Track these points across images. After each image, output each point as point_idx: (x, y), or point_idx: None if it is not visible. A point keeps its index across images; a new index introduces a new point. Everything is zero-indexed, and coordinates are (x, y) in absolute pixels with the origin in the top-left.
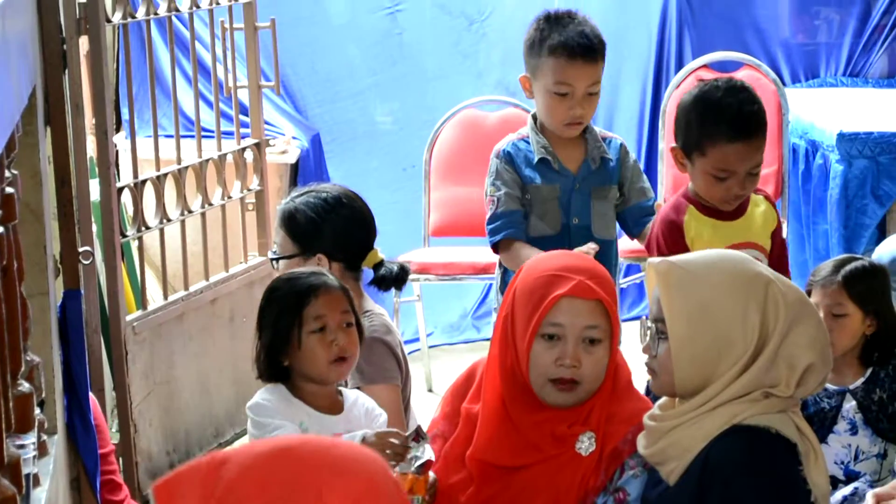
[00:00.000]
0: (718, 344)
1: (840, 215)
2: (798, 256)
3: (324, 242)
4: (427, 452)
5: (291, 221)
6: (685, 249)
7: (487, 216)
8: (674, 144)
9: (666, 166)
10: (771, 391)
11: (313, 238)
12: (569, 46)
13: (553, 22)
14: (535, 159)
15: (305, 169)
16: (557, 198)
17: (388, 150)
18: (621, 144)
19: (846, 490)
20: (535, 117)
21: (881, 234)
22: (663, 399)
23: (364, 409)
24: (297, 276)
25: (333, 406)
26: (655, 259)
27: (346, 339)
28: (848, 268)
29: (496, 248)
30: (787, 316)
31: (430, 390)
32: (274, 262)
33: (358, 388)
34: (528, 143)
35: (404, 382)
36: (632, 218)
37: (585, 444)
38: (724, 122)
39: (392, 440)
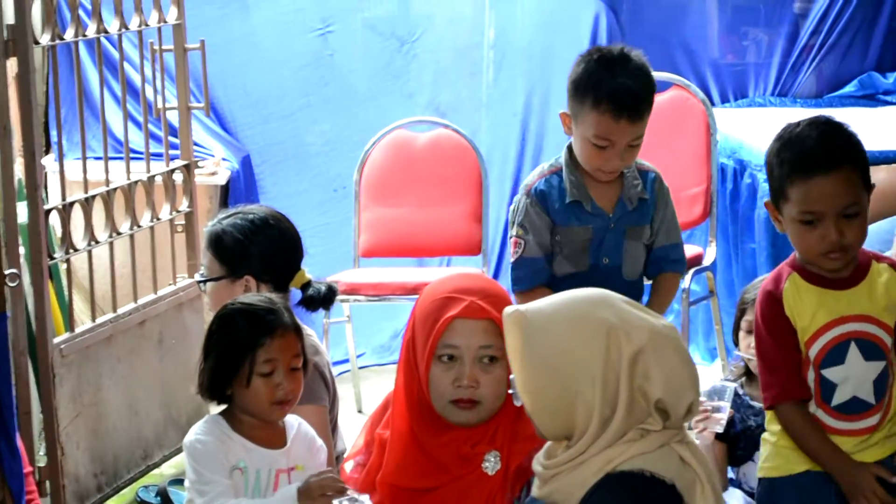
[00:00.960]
0: (567, 396)
1: (768, 234)
2: (726, 276)
3: (251, 264)
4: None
5: (218, 244)
6: (786, 324)
7: (512, 259)
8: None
9: None
10: (645, 427)
11: (241, 260)
12: (615, 103)
13: (604, 65)
14: (569, 200)
15: (236, 190)
16: (590, 238)
17: (319, 172)
18: (655, 177)
19: None
20: (570, 149)
21: None
22: (550, 447)
23: (306, 442)
24: (255, 311)
25: (275, 438)
26: (509, 308)
27: (292, 384)
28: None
29: (519, 294)
30: (631, 358)
31: (360, 411)
32: (201, 284)
33: None
34: (560, 178)
35: (332, 403)
36: (654, 261)
37: (491, 463)
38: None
39: (328, 488)
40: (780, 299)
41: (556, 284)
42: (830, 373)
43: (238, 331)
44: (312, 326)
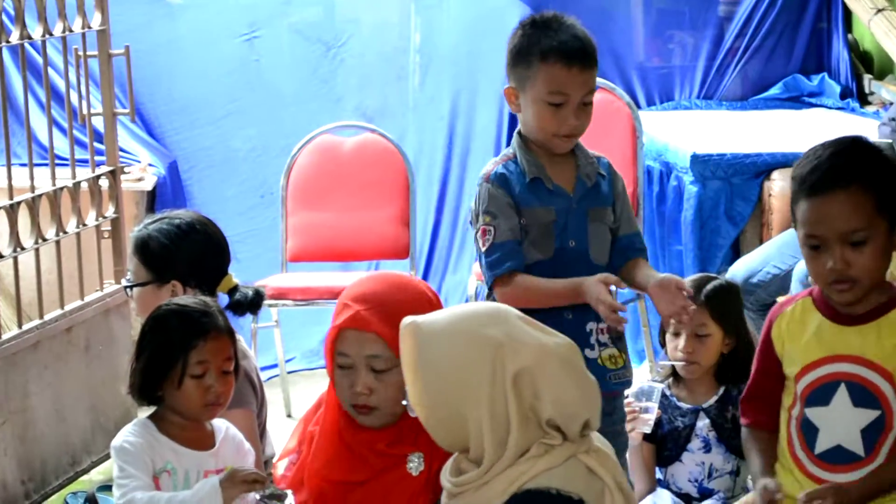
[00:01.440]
0: (456, 412)
1: (694, 236)
2: None
3: (178, 269)
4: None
5: (144, 249)
6: (769, 349)
7: (483, 249)
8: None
9: None
10: (548, 442)
11: (167, 265)
12: (564, 51)
13: (541, 26)
14: (528, 179)
15: (163, 196)
16: (553, 221)
17: (246, 177)
18: (608, 163)
19: None
20: (521, 134)
21: (735, 254)
22: (456, 459)
23: (235, 444)
24: (189, 313)
25: (204, 440)
26: (407, 318)
27: (223, 387)
28: (708, 288)
29: (494, 283)
30: (514, 376)
31: (289, 415)
32: (128, 289)
33: None
34: (516, 163)
35: (259, 407)
36: (619, 250)
37: (415, 464)
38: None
39: (246, 478)
40: (771, 325)
41: (526, 273)
42: (814, 413)
43: (171, 332)
44: (241, 331)
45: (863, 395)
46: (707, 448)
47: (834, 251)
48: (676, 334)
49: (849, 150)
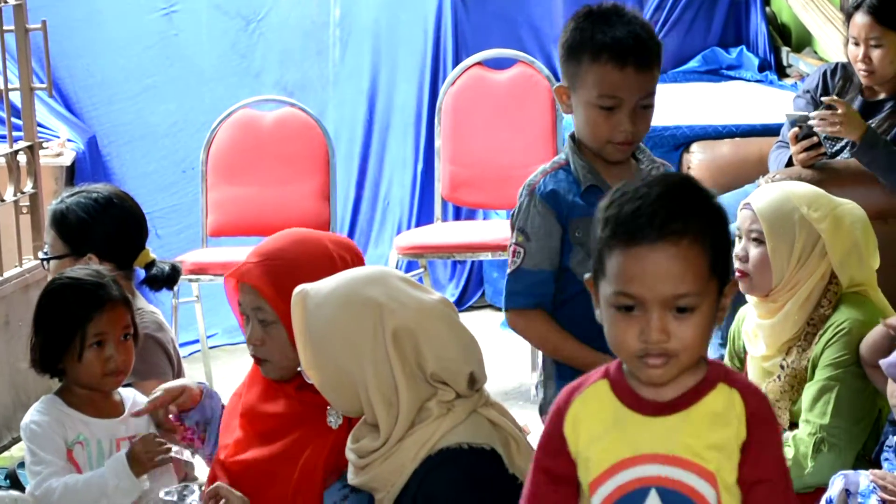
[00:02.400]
0: (343, 373)
1: None
2: None
3: (94, 242)
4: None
5: (62, 221)
6: (561, 445)
7: (508, 270)
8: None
9: (443, 163)
10: (442, 399)
11: (84, 238)
12: (617, 49)
13: (596, 19)
14: (583, 188)
15: (82, 171)
16: None
17: (166, 152)
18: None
19: None
20: (573, 137)
21: None
22: (356, 430)
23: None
24: (81, 285)
25: (112, 409)
26: (298, 287)
27: (123, 355)
28: None
29: (508, 309)
30: (394, 334)
31: None
32: (45, 262)
33: (130, 384)
34: (568, 171)
35: (175, 379)
36: None
37: (334, 418)
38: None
39: (152, 451)
40: (563, 415)
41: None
42: None
43: (67, 306)
44: (161, 307)
45: (679, 502)
46: None
47: (652, 317)
48: None
49: (680, 193)
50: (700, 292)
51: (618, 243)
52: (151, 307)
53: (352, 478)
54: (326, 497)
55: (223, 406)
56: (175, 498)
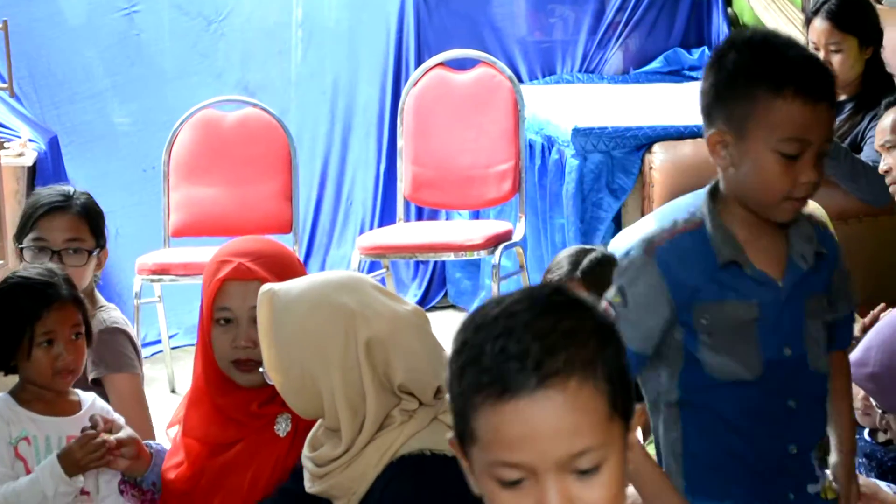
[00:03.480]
0: (308, 378)
1: (576, 209)
2: (535, 251)
3: (104, 237)
4: None
5: (92, 215)
6: None
7: None
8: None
9: (405, 163)
10: (406, 409)
11: (102, 232)
12: (808, 81)
13: (763, 45)
14: (720, 263)
15: (43, 171)
16: (755, 319)
17: (128, 152)
18: (825, 221)
19: None
20: (712, 195)
21: (617, 226)
22: (312, 434)
23: (101, 413)
24: (31, 283)
25: (67, 408)
26: (264, 286)
27: (73, 354)
28: (584, 264)
29: None
30: (366, 344)
31: (173, 391)
32: (89, 254)
33: (99, 378)
34: (699, 236)
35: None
36: (839, 333)
37: (283, 426)
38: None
39: (92, 452)
40: None
41: (717, 391)
42: None
43: (16, 304)
44: (123, 307)
45: None
46: None
47: (548, 489)
48: None
49: (553, 315)
50: (604, 442)
51: (485, 398)
52: (112, 304)
53: (309, 486)
54: None
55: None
56: None
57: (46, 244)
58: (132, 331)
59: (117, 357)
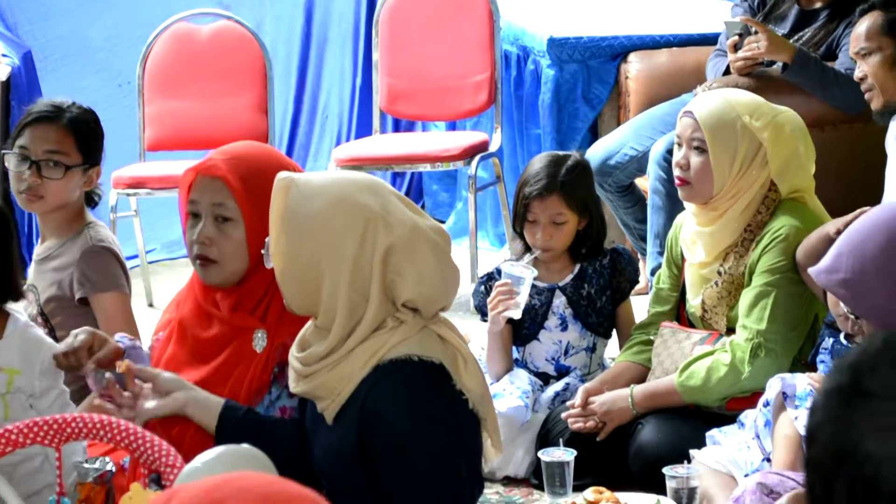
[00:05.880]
0: (315, 268)
1: (552, 119)
2: (511, 161)
3: (98, 155)
4: (110, 463)
5: (80, 130)
6: None
7: None
8: None
9: (381, 75)
10: (399, 317)
11: (97, 149)
12: None
13: None
14: None
15: (17, 87)
16: None
17: (102, 67)
18: None
19: (557, 386)
20: None
21: (593, 136)
22: (301, 336)
23: (27, 347)
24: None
25: None
26: (282, 173)
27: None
28: (562, 175)
29: None
30: (385, 249)
31: (150, 305)
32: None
33: (86, 297)
34: None
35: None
36: None
37: (259, 341)
38: None
39: (79, 352)
40: None
41: None
42: None
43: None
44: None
45: None
46: (564, 326)
47: None
48: (534, 222)
49: None
50: None
51: None
52: (100, 222)
53: (294, 386)
54: None
55: (149, 354)
56: (96, 465)
57: (27, 153)
58: (119, 249)
59: (103, 276)
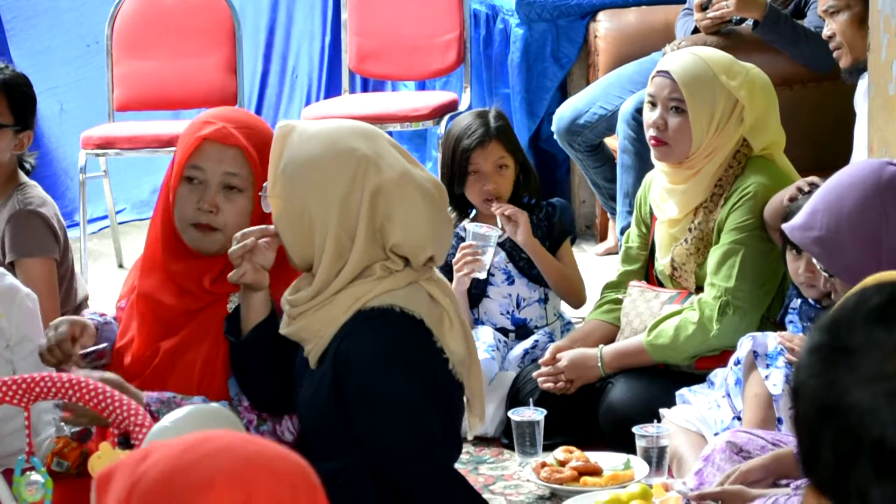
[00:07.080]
0: (307, 209)
1: (521, 79)
2: None
3: (31, 119)
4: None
5: (14, 91)
6: None
7: None
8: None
9: (350, 34)
10: (390, 266)
11: (30, 113)
12: None
13: None
14: None
15: None
16: None
17: (71, 27)
18: None
19: (526, 343)
20: None
21: (562, 96)
22: (296, 282)
23: (5, 283)
24: None
25: None
26: (283, 121)
27: None
28: (493, 124)
29: None
30: (374, 190)
31: (120, 265)
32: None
33: (12, 262)
34: None
35: (63, 255)
36: None
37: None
38: None
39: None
40: None
41: None
42: None
43: None
44: (70, 182)
45: None
46: (510, 280)
47: None
48: (476, 173)
49: None
50: None
51: None
52: (31, 182)
53: (283, 328)
54: (231, 385)
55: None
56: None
57: None
58: (50, 209)
59: (29, 240)
